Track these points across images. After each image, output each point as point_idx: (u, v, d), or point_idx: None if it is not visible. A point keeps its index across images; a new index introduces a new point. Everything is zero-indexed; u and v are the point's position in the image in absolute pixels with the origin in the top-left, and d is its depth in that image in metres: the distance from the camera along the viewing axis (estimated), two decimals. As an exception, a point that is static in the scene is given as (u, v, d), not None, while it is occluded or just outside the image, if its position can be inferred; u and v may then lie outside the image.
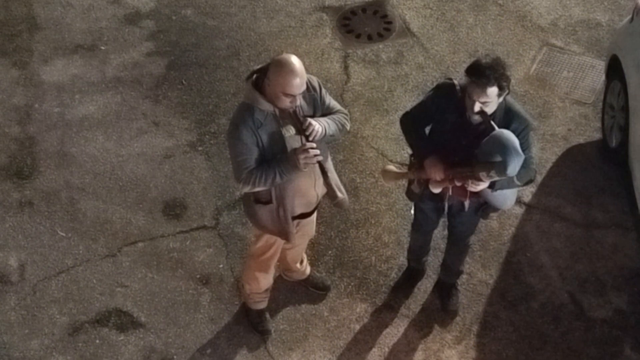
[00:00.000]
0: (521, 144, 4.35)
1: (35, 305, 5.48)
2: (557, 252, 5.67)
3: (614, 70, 5.96)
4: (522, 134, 4.41)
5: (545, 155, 6.13)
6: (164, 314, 5.44)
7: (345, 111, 4.65)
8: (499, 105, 4.39)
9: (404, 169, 4.97)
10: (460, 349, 5.29)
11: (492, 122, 4.31)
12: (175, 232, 5.81)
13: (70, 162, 6.15)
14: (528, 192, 5.93)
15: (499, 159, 4.21)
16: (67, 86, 6.59)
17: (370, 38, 6.93)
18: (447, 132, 4.51)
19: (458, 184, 4.43)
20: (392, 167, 4.76)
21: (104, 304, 5.48)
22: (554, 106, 6.44)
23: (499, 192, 4.51)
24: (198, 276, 5.60)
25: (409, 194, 4.86)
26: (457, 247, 5.21)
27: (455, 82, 4.50)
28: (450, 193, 4.63)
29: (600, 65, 6.57)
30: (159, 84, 6.62)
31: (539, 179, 5.99)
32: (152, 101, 6.51)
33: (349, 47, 6.85)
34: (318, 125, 4.37)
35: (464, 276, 5.53)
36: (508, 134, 4.27)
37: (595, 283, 5.53)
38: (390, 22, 7.04)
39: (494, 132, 4.27)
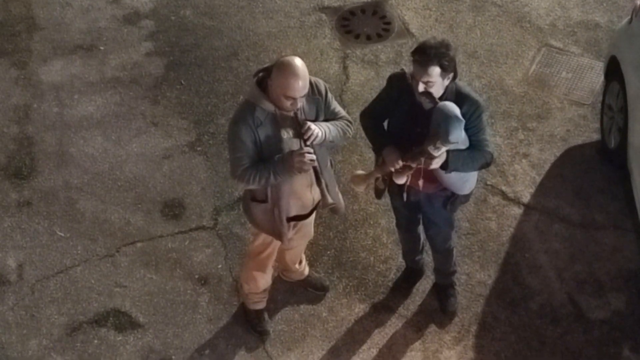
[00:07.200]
0: (474, 127, 4.41)
1: (33, 305, 5.48)
2: (556, 253, 5.67)
3: (613, 71, 5.96)
4: (474, 116, 4.43)
5: (544, 156, 6.13)
6: (163, 314, 5.44)
7: (349, 118, 4.65)
8: (449, 90, 4.42)
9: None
10: (458, 349, 5.29)
11: (436, 98, 4.33)
12: (173, 232, 5.80)
13: (69, 162, 6.15)
14: (527, 193, 5.93)
15: (443, 128, 4.25)
16: (66, 86, 6.59)
17: (369, 38, 6.93)
18: (403, 121, 4.53)
19: (414, 165, 4.44)
20: (359, 172, 4.75)
21: (103, 304, 5.48)
22: (553, 107, 6.44)
23: (454, 174, 4.51)
24: (197, 276, 5.60)
25: (376, 192, 4.87)
26: (440, 253, 5.23)
27: (406, 70, 4.54)
28: (408, 181, 4.62)
29: (599, 66, 6.57)
30: (157, 84, 6.62)
31: (537, 179, 5.99)
32: (151, 101, 6.51)
33: (348, 48, 6.85)
34: (318, 130, 4.37)
35: (463, 277, 5.53)
36: (448, 104, 4.30)
37: (593, 284, 5.53)
38: (389, 23, 7.04)
39: (436, 106, 4.31)
